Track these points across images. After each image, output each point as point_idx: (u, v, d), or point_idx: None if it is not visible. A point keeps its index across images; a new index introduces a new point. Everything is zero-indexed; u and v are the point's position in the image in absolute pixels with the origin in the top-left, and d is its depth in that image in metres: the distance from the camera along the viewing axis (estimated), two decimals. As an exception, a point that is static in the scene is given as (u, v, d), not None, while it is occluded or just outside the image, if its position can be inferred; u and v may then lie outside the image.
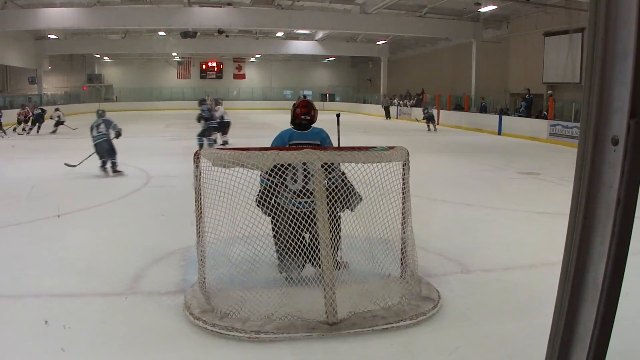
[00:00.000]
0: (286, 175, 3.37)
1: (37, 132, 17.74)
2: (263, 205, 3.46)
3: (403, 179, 3.55)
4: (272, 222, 3.62)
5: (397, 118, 26.93)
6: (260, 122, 23.86)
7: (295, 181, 3.49)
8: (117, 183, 8.21)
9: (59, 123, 17.77)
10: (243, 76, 38.46)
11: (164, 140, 14.25)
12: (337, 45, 31.57)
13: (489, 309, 3.42)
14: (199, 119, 11.76)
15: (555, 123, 15.31)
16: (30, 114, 17.61)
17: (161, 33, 27.70)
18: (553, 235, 4.57)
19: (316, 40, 30.60)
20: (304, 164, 3.30)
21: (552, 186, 8.17)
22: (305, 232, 3.32)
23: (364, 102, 32.75)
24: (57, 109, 18.82)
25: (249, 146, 3.64)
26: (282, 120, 23.93)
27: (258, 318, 3.08)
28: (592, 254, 0.87)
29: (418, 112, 21.57)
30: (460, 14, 21.50)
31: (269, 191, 3.42)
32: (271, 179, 3.34)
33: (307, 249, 3.33)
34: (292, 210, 3.38)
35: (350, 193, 3.45)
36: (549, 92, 17.31)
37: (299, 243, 3.31)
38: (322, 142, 3.82)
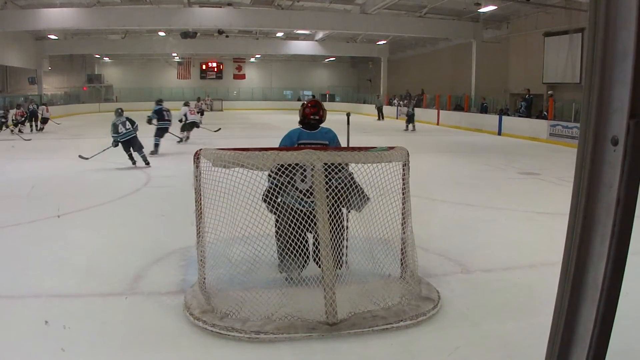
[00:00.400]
0: (294, 174, 3.36)
1: (37, 129, 17.81)
2: (269, 203, 3.47)
3: (403, 179, 3.56)
4: (275, 220, 3.61)
5: (397, 118, 26.94)
6: (260, 122, 23.88)
7: (304, 180, 3.51)
8: (117, 183, 8.21)
9: (44, 120, 17.91)
10: (243, 76, 38.46)
11: (164, 141, 14.24)
12: (337, 45, 31.57)
13: (489, 309, 3.43)
14: (149, 120, 12.01)
15: (555, 123, 15.31)
16: (26, 113, 17.66)
17: (161, 33, 27.70)
18: (553, 235, 4.57)
19: (316, 41, 30.60)
20: (312, 163, 3.31)
21: (552, 186, 8.17)
22: (309, 232, 3.32)
23: (364, 103, 32.75)
24: (43, 104, 19.07)
25: (249, 146, 3.64)
26: (282, 120, 23.92)
27: (258, 318, 3.08)
28: (592, 254, 0.87)
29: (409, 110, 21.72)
30: (460, 14, 21.50)
31: (275, 189, 3.43)
32: (278, 177, 3.35)
33: (308, 249, 3.34)
34: (298, 209, 3.36)
35: (357, 194, 3.46)
36: (549, 92, 17.30)
37: (301, 243, 3.32)
38: (330, 142, 3.84)
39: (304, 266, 3.47)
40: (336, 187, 3.34)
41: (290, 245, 3.34)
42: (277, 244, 3.61)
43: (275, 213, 3.55)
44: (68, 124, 21.10)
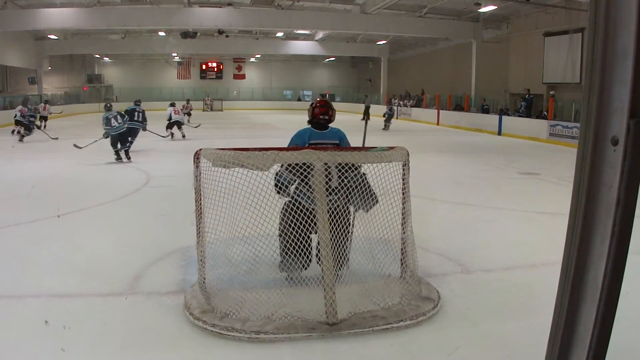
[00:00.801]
0: (307, 173, 3.37)
1: (39, 127, 17.93)
2: (279, 191, 3.52)
3: (403, 179, 3.56)
4: (280, 219, 3.62)
5: (397, 118, 26.93)
6: (260, 122, 23.88)
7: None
8: (117, 183, 8.21)
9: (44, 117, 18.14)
10: (243, 76, 38.46)
11: (164, 140, 14.27)
12: (337, 45, 31.57)
13: (489, 309, 3.43)
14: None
15: (555, 123, 15.31)
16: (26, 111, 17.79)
17: (161, 33, 27.69)
18: (553, 235, 4.57)
19: (316, 41, 30.60)
20: (325, 163, 3.34)
21: (552, 186, 8.17)
22: (313, 233, 3.32)
23: (364, 103, 32.71)
24: (45, 101, 19.43)
25: (249, 146, 3.64)
26: (282, 120, 23.91)
27: (258, 318, 3.08)
28: (592, 254, 0.87)
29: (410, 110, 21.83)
30: (460, 14, 21.51)
31: (283, 184, 3.45)
32: (291, 175, 3.36)
33: (311, 250, 3.34)
34: (308, 207, 3.35)
35: (367, 194, 3.48)
36: (551, 92, 17.29)
37: (306, 242, 3.32)
38: (340, 142, 3.87)
39: (305, 267, 3.47)
40: (349, 186, 3.39)
41: (295, 244, 3.34)
42: (280, 242, 3.61)
43: (289, 208, 3.55)
44: (68, 124, 21.09)
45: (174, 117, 14.66)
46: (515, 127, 17.23)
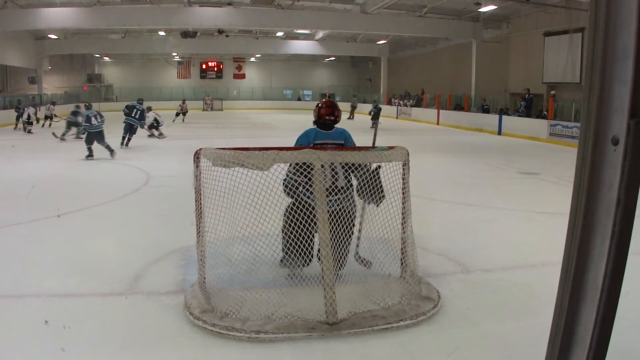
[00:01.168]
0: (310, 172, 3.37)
1: (44, 125, 18.35)
2: (288, 194, 3.54)
3: (403, 179, 3.56)
4: (285, 215, 3.62)
5: (397, 118, 26.95)
6: (260, 122, 23.88)
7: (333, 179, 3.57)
8: (117, 183, 8.21)
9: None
10: (243, 76, 38.45)
11: (164, 140, 14.26)
12: (337, 45, 31.56)
13: (489, 309, 3.43)
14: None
15: (555, 123, 15.31)
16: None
17: (161, 33, 27.70)
18: (553, 235, 4.57)
19: (316, 40, 30.59)
20: (332, 163, 3.36)
21: (552, 186, 8.17)
22: (316, 232, 3.33)
23: (364, 102, 32.73)
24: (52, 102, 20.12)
25: (249, 146, 3.64)
26: (282, 120, 23.87)
27: (258, 318, 3.08)
28: (592, 254, 0.87)
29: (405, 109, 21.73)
30: (460, 14, 21.51)
31: (294, 185, 3.46)
32: (297, 175, 3.36)
33: (313, 248, 3.35)
34: (314, 205, 3.35)
35: (379, 188, 3.52)
36: (552, 92, 17.29)
37: (310, 240, 3.32)
38: (345, 142, 3.90)
39: (306, 264, 3.48)
40: (364, 183, 3.45)
41: (298, 241, 3.34)
42: (283, 238, 3.62)
43: (293, 206, 3.56)
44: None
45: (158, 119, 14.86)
46: (515, 127, 17.23)
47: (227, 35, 27.23)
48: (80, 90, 33.04)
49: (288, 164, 3.46)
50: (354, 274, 3.54)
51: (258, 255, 3.40)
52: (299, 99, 38.26)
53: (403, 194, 3.57)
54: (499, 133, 17.98)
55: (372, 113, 20.14)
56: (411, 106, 26.20)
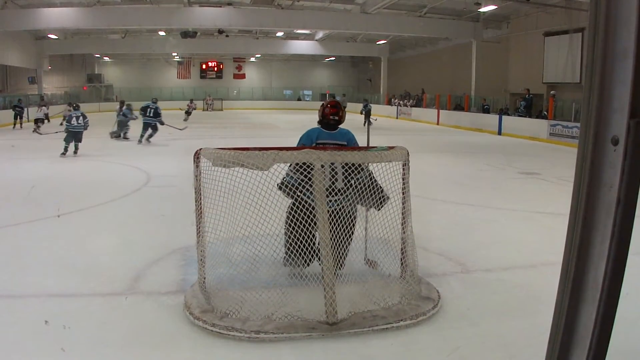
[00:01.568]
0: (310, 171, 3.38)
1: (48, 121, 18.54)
2: (287, 194, 3.53)
3: (403, 179, 3.56)
4: (288, 214, 3.62)
5: (397, 118, 26.96)
6: (260, 122, 23.88)
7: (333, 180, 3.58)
8: (117, 183, 8.22)
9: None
10: (243, 76, 38.45)
11: (164, 140, 14.26)
12: (337, 45, 31.55)
13: (489, 309, 3.43)
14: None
15: (555, 123, 15.31)
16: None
17: (161, 33, 27.69)
18: (553, 235, 4.57)
19: (316, 40, 30.58)
20: (332, 163, 3.36)
21: (552, 186, 8.17)
22: (317, 232, 3.33)
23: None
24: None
25: (249, 146, 3.64)
26: (282, 120, 23.86)
27: (258, 318, 3.08)
28: (592, 254, 0.87)
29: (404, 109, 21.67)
30: (460, 14, 21.50)
31: (294, 185, 3.46)
32: (297, 175, 3.36)
33: (314, 247, 3.35)
34: (315, 206, 3.35)
35: (377, 193, 3.51)
36: (552, 92, 17.28)
37: (311, 240, 3.32)
38: (348, 142, 3.91)
39: (308, 263, 3.48)
40: (357, 187, 3.44)
41: (300, 241, 3.34)
42: (286, 237, 3.62)
43: (294, 205, 3.56)
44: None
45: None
46: (515, 127, 17.23)
47: (227, 35, 27.24)
48: (80, 90, 33.02)
49: (288, 164, 3.46)
50: (353, 274, 3.54)
51: (258, 255, 3.40)
52: (299, 99, 38.26)
53: (403, 194, 3.57)
54: (499, 133, 17.98)
55: (362, 112, 20.10)
56: (411, 106, 26.19)
